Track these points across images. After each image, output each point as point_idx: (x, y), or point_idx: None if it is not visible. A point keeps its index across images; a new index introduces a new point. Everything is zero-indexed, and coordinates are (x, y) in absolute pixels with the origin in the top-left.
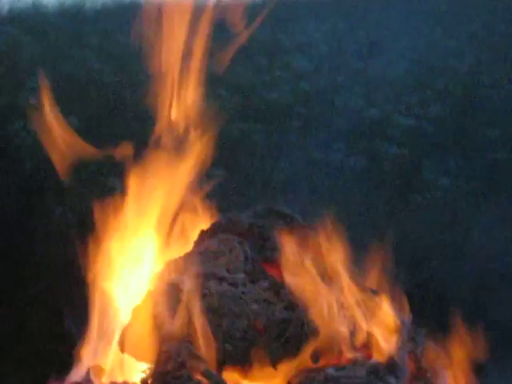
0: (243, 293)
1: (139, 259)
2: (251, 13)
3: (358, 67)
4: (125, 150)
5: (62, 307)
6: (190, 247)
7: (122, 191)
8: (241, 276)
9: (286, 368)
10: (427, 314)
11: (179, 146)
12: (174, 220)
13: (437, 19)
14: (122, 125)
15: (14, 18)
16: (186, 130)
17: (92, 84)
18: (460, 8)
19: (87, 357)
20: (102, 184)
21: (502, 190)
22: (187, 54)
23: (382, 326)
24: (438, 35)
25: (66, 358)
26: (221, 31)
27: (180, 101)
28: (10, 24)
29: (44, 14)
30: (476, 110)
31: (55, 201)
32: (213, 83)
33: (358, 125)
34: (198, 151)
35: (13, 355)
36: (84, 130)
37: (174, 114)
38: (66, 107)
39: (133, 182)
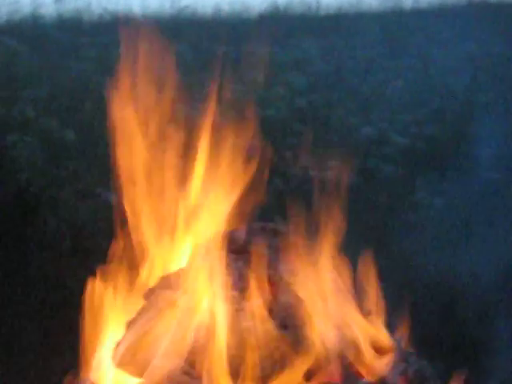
0: (237, 310)
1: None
2: (248, 27)
3: (354, 85)
4: None
5: (54, 320)
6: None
7: (116, 204)
8: (235, 293)
9: None
10: (417, 333)
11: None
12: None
13: (433, 38)
14: None
15: (12, 28)
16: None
17: (89, 97)
18: (457, 28)
19: (81, 371)
20: (96, 197)
21: (495, 210)
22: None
23: (375, 345)
24: (435, 54)
25: (58, 373)
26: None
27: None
28: (7, 35)
29: (42, 26)
30: (471, 129)
31: (50, 213)
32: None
33: (353, 142)
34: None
35: (2, 369)
36: (80, 143)
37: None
38: (63, 119)
39: None
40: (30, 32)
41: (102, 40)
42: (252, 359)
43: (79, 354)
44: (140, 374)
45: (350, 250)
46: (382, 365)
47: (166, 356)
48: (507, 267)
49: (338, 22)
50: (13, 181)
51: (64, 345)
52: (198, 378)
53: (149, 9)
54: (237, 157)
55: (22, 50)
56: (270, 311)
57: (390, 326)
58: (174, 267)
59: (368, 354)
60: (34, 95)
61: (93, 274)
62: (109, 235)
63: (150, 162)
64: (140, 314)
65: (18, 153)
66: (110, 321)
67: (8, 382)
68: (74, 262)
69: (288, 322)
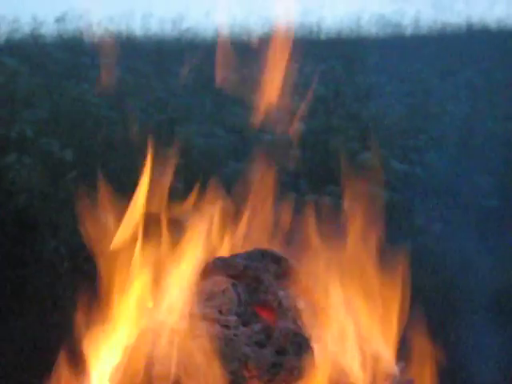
0: (235, 335)
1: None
2: (246, 51)
3: (354, 110)
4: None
5: (51, 342)
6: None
7: (115, 226)
8: (233, 318)
9: None
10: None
11: None
12: None
13: (434, 65)
14: (117, 160)
15: (12, 48)
16: None
17: (89, 117)
18: (457, 55)
19: None
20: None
21: (493, 237)
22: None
23: (375, 371)
24: (435, 81)
25: None
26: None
27: None
28: (7, 54)
29: (42, 45)
30: (470, 157)
31: (48, 235)
32: (210, 122)
33: (351, 168)
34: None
35: None
36: (79, 164)
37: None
38: (62, 140)
39: None
40: (30, 51)
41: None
42: None
43: (77, 377)
44: None
45: (348, 275)
46: None
47: (163, 380)
48: (504, 293)
49: (338, 46)
50: (11, 201)
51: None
52: None
53: (150, 31)
54: None
55: (21, 70)
56: (269, 337)
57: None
58: (171, 290)
59: (368, 379)
60: (34, 115)
61: (91, 294)
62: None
63: None
64: (138, 338)
65: (16, 173)
66: (109, 342)
67: None
68: (72, 284)
69: (286, 347)
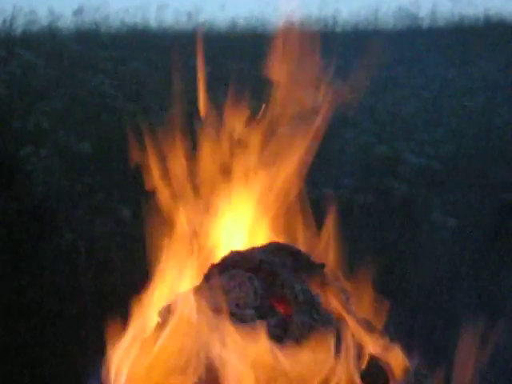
0: (252, 328)
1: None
2: (262, 43)
3: (370, 103)
4: None
5: (67, 333)
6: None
7: (132, 219)
8: (250, 312)
9: None
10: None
11: None
12: None
13: (451, 58)
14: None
15: (29, 40)
16: None
17: (105, 109)
18: (474, 47)
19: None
20: (111, 212)
21: (510, 231)
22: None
23: (389, 367)
24: (452, 74)
25: None
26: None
27: None
28: (24, 47)
29: (59, 38)
30: (486, 150)
31: (65, 227)
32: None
33: (367, 161)
34: None
35: (14, 382)
36: (96, 156)
37: None
38: (79, 132)
39: None
40: (47, 44)
41: (120, 53)
42: (265, 378)
43: (95, 367)
44: None
45: (363, 269)
46: None
47: (180, 374)
48: None
49: (354, 39)
50: (28, 194)
51: (78, 358)
52: None
53: (165, 23)
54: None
55: (38, 62)
56: (285, 330)
57: (405, 347)
58: (187, 285)
59: (383, 375)
60: (50, 107)
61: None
62: (123, 249)
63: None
64: (155, 331)
65: (33, 166)
66: (127, 336)
67: None
68: (88, 276)
69: (302, 341)
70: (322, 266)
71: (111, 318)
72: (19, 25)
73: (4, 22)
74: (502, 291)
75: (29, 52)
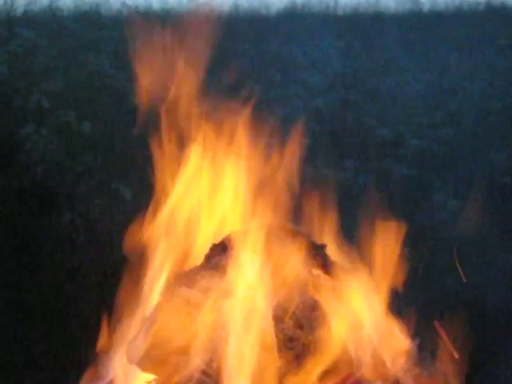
0: (252, 309)
1: None
2: (264, 26)
3: (372, 86)
4: None
5: (68, 312)
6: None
7: (132, 199)
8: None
9: None
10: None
11: None
12: None
13: (452, 42)
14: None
15: (30, 20)
16: None
17: (106, 90)
18: (476, 32)
19: (98, 366)
20: (111, 191)
21: (510, 214)
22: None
23: (390, 347)
24: (453, 58)
25: (68, 364)
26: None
27: None
28: (25, 26)
29: (60, 18)
30: (486, 133)
31: (65, 206)
32: (226, 95)
33: (368, 144)
34: None
35: (13, 362)
36: (96, 136)
37: None
38: (79, 112)
39: None
40: (48, 24)
41: (121, 34)
42: (267, 359)
43: (95, 347)
44: (155, 371)
45: (363, 251)
46: (396, 367)
47: (182, 354)
48: None
49: (355, 22)
50: (28, 173)
51: (77, 338)
52: (215, 376)
53: (167, 4)
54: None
55: (39, 42)
56: (286, 311)
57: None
58: (190, 264)
59: (383, 356)
60: (51, 87)
61: (106, 266)
62: (123, 229)
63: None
64: (156, 310)
65: (33, 145)
66: (128, 312)
67: (21, 371)
68: (88, 256)
69: (304, 322)
70: (323, 246)
71: (111, 298)
72: (20, 4)
73: (5, 1)
74: (501, 273)
75: (30, 32)
